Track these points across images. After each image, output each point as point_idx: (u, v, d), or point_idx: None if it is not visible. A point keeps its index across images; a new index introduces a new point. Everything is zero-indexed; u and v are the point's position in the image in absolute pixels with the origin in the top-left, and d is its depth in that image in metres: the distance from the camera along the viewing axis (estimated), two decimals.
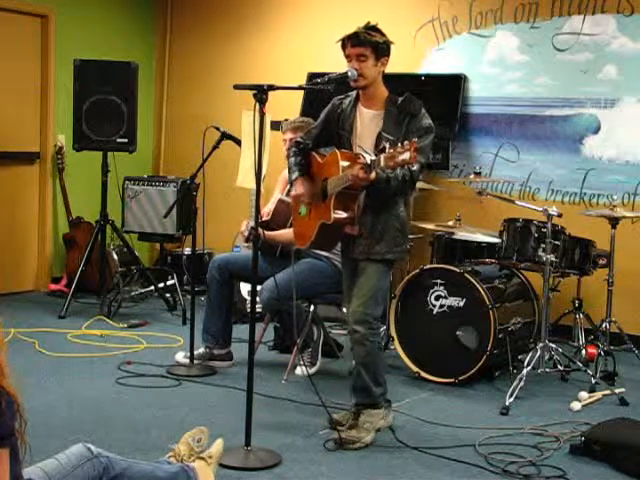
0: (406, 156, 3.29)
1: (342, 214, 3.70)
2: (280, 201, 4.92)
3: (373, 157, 3.50)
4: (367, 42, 3.66)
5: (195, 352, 4.80)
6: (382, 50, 3.70)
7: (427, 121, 3.73)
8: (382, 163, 3.40)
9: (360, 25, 3.72)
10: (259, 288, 4.51)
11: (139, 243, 6.80)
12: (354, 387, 3.85)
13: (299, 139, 4.01)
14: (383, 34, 3.73)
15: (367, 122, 3.77)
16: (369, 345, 3.71)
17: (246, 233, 4.82)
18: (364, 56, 3.67)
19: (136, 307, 6.48)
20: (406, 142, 3.32)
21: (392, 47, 3.74)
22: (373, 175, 3.50)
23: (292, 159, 3.95)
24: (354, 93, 3.85)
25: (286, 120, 5.06)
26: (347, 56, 3.71)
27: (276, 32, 7.09)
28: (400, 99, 3.75)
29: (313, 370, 4.80)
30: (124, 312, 6.15)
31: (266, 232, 4.59)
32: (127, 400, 4.20)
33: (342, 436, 3.67)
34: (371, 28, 3.71)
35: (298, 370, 4.75)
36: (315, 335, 4.93)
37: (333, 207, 3.68)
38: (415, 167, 3.54)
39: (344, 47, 3.72)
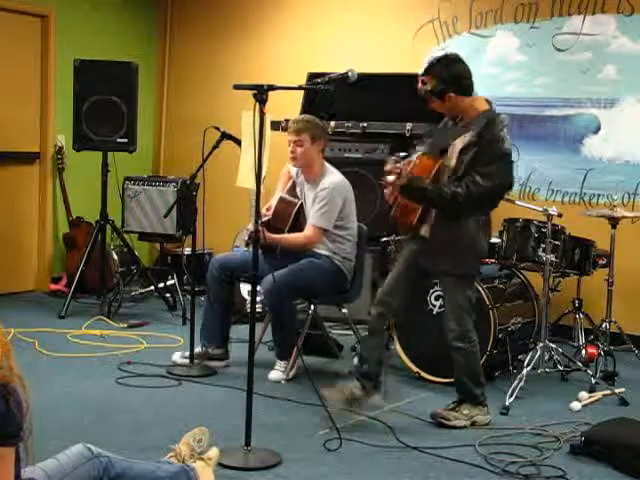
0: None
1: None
2: (281, 199, 4.89)
3: None
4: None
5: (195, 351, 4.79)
6: None
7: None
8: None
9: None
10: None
11: (139, 243, 6.80)
12: (457, 388, 4.07)
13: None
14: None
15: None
16: (471, 356, 3.99)
17: (246, 237, 4.78)
18: None
19: (136, 307, 6.48)
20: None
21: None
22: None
23: None
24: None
25: (287, 120, 5.01)
26: None
27: (276, 32, 7.08)
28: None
29: (290, 374, 4.67)
30: (124, 312, 6.15)
31: (267, 234, 4.58)
32: (127, 400, 4.20)
33: (440, 412, 3.97)
34: None
35: (271, 375, 4.65)
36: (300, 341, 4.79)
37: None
38: (459, 189, 3.75)
39: None
